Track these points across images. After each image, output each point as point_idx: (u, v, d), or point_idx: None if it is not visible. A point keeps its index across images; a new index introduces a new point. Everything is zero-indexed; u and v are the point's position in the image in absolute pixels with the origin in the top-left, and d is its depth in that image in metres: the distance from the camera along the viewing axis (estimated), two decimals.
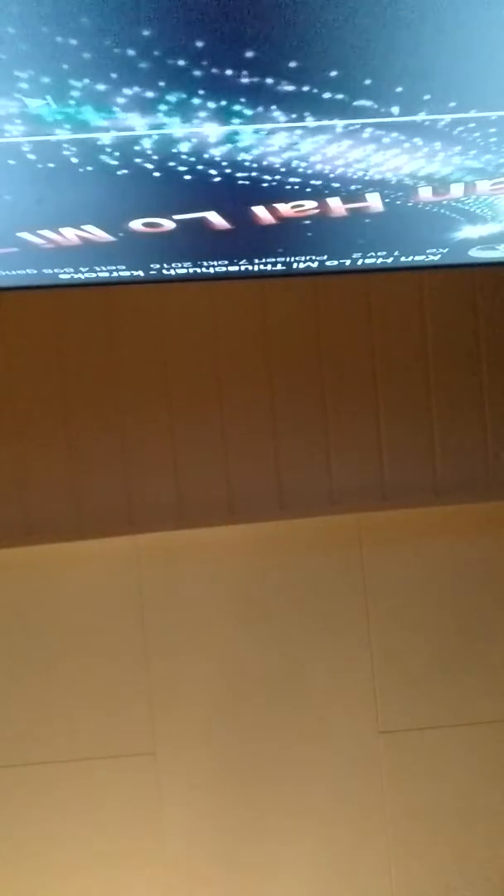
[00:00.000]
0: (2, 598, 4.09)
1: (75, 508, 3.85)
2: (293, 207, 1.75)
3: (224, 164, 1.38)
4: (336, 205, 1.75)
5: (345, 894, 4.07)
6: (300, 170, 1.46)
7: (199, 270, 2.38)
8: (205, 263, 2.17)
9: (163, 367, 3.85)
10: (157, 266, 2.20)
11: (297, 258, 2.10)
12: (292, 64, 1.04)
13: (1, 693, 4.08)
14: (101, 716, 4.06)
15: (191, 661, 4.06)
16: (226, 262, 2.09)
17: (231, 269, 2.20)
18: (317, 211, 1.77)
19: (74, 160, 1.31)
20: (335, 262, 2.16)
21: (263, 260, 2.07)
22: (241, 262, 2.08)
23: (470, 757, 4.07)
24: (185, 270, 2.31)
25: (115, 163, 1.33)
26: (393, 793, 4.07)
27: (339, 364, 3.85)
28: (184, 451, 3.85)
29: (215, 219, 1.78)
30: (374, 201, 1.73)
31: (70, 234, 1.83)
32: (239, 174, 1.42)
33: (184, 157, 1.32)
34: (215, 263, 2.12)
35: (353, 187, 1.61)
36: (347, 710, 4.07)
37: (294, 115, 1.21)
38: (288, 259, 2.08)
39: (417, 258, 2.15)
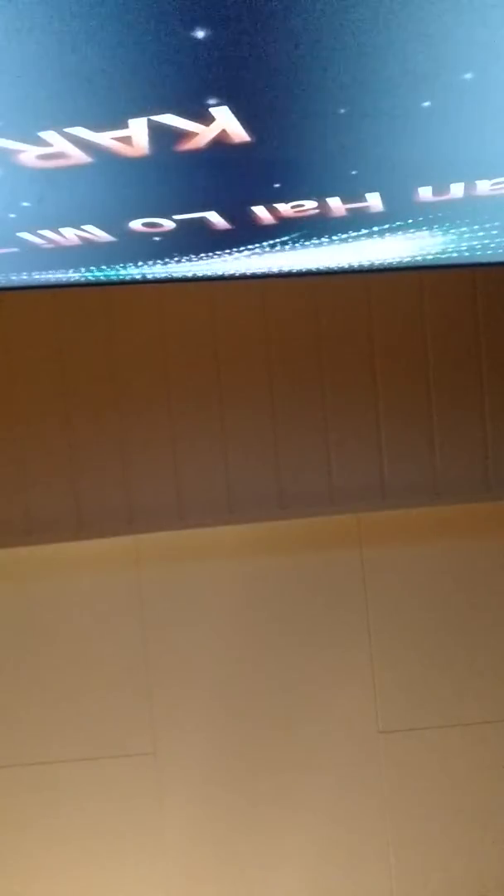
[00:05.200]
0: (2, 597, 4.08)
1: (75, 508, 3.85)
2: (293, 207, 1.75)
3: None
4: (336, 205, 1.75)
5: (345, 892, 4.07)
6: None
7: (199, 272, 2.38)
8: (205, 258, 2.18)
9: (163, 368, 3.85)
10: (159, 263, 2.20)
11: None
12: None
13: (1, 693, 4.08)
14: (101, 716, 4.06)
15: (191, 661, 4.06)
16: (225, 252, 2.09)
17: (229, 262, 2.20)
18: (317, 211, 1.77)
19: None
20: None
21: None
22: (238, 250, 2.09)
23: (470, 757, 4.07)
24: (184, 270, 2.31)
25: None
26: (393, 792, 4.07)
27: (339, 364, 3.85)
28: (184, 451, 3.85)
29: (215, 219, 1.78)
30: (373, 201, 1.73)
31: (70, 234, 1.83)
32: None
33: None
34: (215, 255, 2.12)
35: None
36: (347, 710, 4.07)
37: None
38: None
39: None
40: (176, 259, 2.15)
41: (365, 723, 4.07)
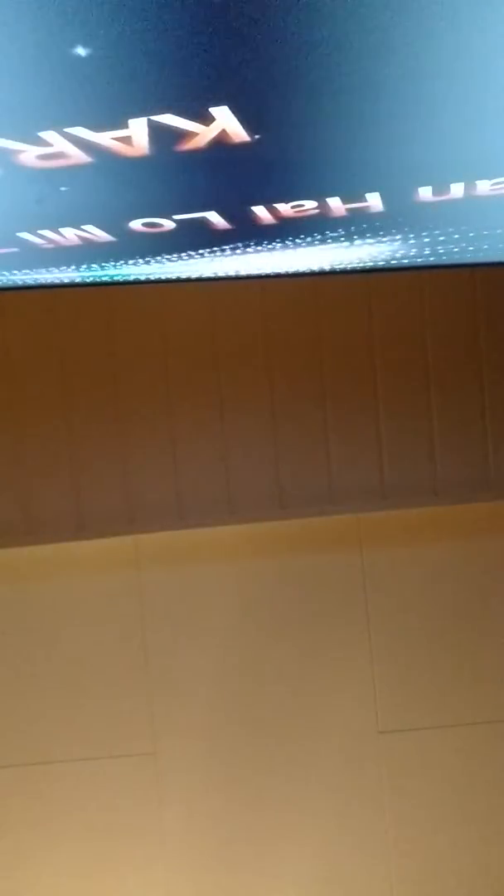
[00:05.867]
0: (2, 597, 4.08)
1: (75, 508, 3.85)
2: (293, 207, 1.75)
3: None
4: (336, 205, 1.75)
5: (345, 892, 4.07)
6: None
7: (198, 272, 2.38)
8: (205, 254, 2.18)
9: (163, 368, 3.85)
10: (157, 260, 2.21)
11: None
12: None
13: (1, 693, 4.08)
14: (101, 716, 4.06)
15: (191, 660, 4.06)
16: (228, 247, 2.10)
17: (229, 259, 2.20)
18: (317, 211, 1.77)
19: None
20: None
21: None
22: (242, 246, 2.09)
23: (470, 757, 4.07)
24: (182, 267, 2.31)
25: None
26: (393, 793, 4.07)
27: (339, 364, 3.85)
28: (184, 451, 3.85)
29: (215, 219, 1.78)
30: (373, 201, 1.73)
31: (70, 234, 1.83)
32: None
33: None
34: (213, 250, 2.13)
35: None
36: (347, 710, 4.07)
37: None
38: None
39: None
40: (175, 257, 2.16)
41: (365, 723, 4.07)
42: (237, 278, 2.60)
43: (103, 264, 2.16)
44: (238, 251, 2.10)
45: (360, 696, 4.07)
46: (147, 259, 2.16)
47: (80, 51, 1.06)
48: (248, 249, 2.09)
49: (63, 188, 1.53)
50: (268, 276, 2.62)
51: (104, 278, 2.38)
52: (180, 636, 4.06)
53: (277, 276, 2.61)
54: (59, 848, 4.08)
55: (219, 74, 1.14)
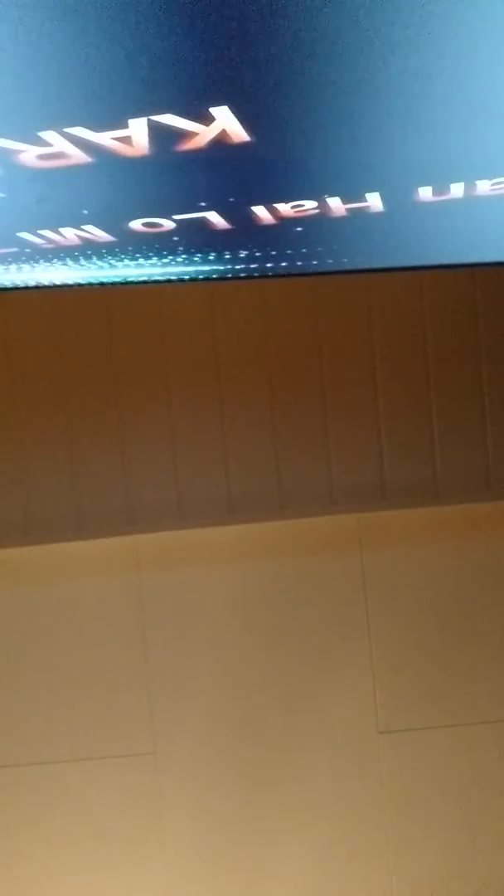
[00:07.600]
0: (2, 598, 4.08)
1: (75, 508, 3.85)
2: (293, 208, 1.75)
3: None
4: (336, 205, 1.75)
5: (344, 892, 4.07)
6: None
7: (201, 270, 2.38)
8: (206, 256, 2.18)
9: (163, 368, 3.85)
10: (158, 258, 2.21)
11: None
12: None
13: (1, 693, 4.08)
14: (100, 716, 4.06)
15: (191, 661, 4.06)
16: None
17: (230, 261, 2.21)
18: (317, 211, 1.77)
19: None
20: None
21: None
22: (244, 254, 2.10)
23: (470, 757, 4.07)
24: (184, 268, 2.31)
25: None
26: (393, 793, 4.07)
27: (339, 364, 3.85)
28: (184, 451, 3.85)
29: (215, 219, 1.78)
30: (373, 201, 1.73)
31: (70, 234, 1.83)
32: None
33: None
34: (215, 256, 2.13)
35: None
36: (347, 710, 4.07)
37: None
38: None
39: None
40: (176, 256, 2.16)
41: (365, 723, 4.07)
42: (237, 278, 2.61)
43: (102, 262, 2.16)
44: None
45: (360, 696, 4.07)
46: (147, 258, 2.17)
47: (81, 51, 1.06)
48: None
49: (64, 188, 1.53)
50: (268, 276, 2.62)
51: (104, 278, 2.38)
52: (180, 636, 4.06)
53: (277, 276, 2.61)
54: (58, 848, 4.08)
55: (219, 74, 1.14)
